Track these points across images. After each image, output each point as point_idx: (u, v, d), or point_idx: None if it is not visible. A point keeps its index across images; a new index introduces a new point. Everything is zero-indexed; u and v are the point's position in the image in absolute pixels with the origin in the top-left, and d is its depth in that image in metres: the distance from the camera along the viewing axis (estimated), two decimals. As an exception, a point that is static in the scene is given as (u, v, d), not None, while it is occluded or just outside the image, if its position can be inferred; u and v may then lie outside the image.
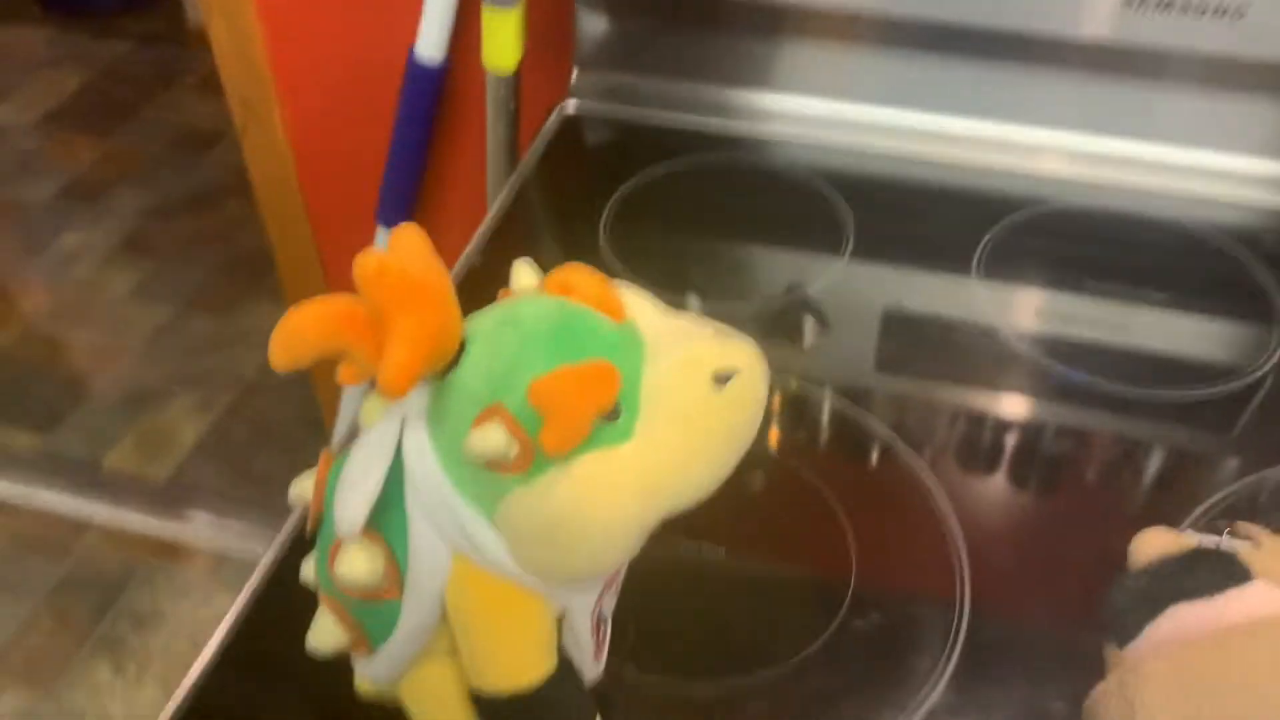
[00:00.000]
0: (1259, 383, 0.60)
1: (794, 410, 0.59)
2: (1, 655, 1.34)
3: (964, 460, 0.56)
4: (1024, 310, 0.65)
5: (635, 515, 0.32)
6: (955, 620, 0.47)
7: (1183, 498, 0.54)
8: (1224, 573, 0.38)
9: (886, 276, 0.68)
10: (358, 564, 0.34)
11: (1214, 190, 0.73)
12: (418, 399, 0.34)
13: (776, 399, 0.59)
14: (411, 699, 0.39)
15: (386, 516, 0.34)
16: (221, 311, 1.81)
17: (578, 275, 0.35)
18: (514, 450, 0.32)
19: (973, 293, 0.66)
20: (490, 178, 0.86)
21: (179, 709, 0.45)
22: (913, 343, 0.63)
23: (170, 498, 1.53)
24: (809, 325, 0.66)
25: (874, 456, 0.56)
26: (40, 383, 1.70)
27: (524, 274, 0.37)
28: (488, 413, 0.32)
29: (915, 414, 0.59)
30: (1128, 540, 0.42)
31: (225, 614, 1.45)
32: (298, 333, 0.32)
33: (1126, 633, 0.39)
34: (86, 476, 1.56)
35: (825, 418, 0.59)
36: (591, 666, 0.39)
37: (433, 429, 0.34)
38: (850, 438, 0.57)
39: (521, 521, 0.32)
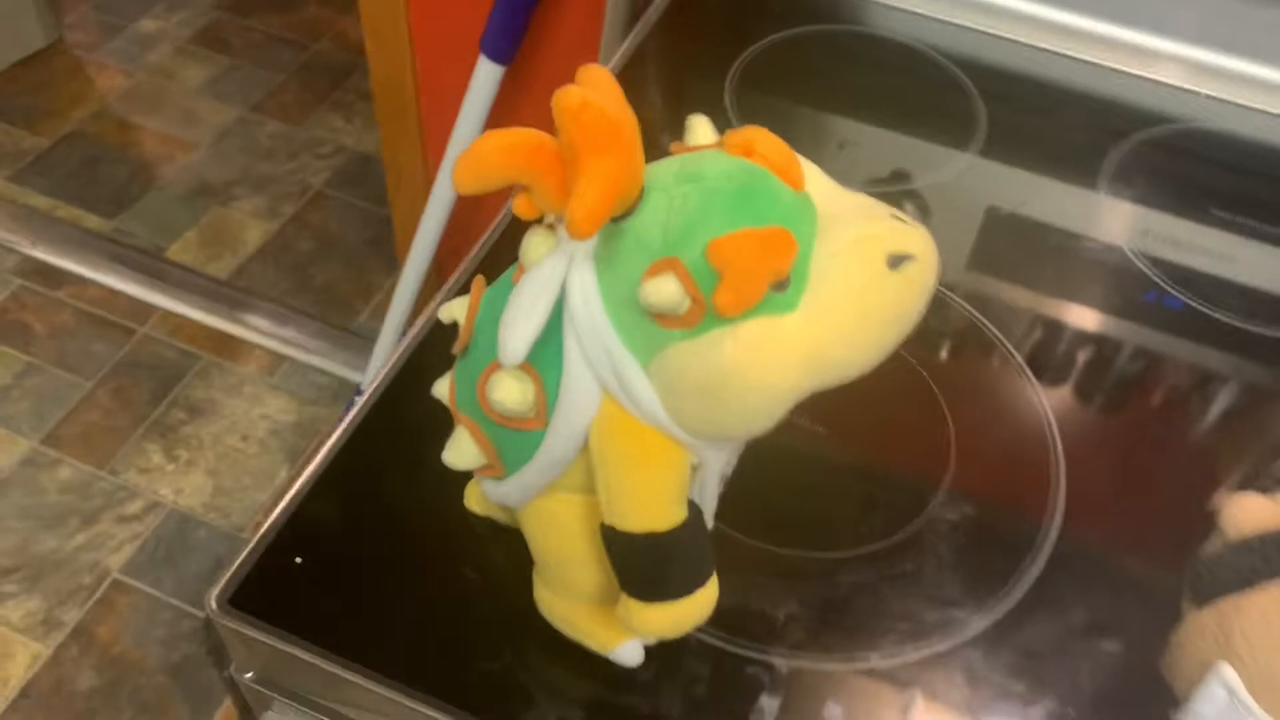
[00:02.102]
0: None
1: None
2: (60, 427, 1.39)
3: (1069, 374, 0.56)
4: (1145, 230, 0.64)
5: (794, 383, 0.33)
6: (1045, 526, 0.49)
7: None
8: None
9: (1013, 177, 0.66)
10: (512, 391, 0.35)
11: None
12: (587, 240, 0.35)
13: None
14: (534, 525, 0.40)
15: (542, 350, 0.35)
16: (292, 118, 1.80)
17: (761, 138, 0.35)
18: (685, 305, 0.32)
19: (1095, 205, 0.65)
20: (608, 24, 0.84)
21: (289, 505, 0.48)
22: (1032, 249, 0.63)
23: (230, 297, 1.56)
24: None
25: (982, 358, 0.56)
26: (110, 165, 1.71)
27: (702, 130, 0.36)
28: (664, 264, 0.32)
29: (1025, 321, 0.59)
30: (1216, 481, 0.42)
31: (276, 414, 1.49)
32: (486, 159, 0.32)
33: (1210, 597, 0.39)
34: (150, 265, 1.59)
35: (939, 313, 0.59)
36: (710, 520, 0.40)
37: (600, 272, 0.34)
38: (961, 336, 0.57)
39: (679, 375, 0.33)
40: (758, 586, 0.46)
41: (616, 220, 0.34)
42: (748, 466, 0.46)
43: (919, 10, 0.76)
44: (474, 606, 0.45)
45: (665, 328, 0.33)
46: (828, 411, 0.52)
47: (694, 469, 0.37)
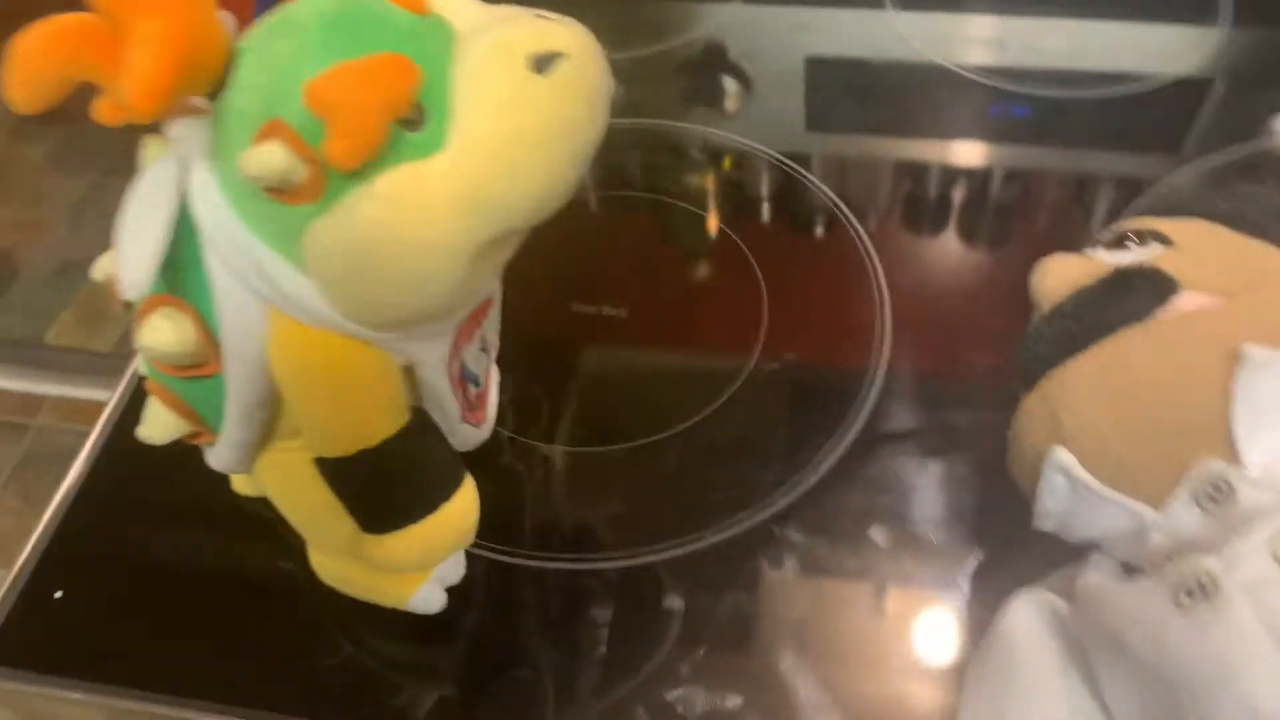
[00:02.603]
0: (1194, 83, 0.55)
1: (706, 164, 0.54)
2: (-29, 538, 1.33)
3: (883, 206, 0.51)
4: (941, 37, 0.59)
5: (457, 234, 0.27)
6: (873, 365, 0.44)
7: (1112, 208, 0.50)
8: (1150, 293, 0.33)
9: (799, 16, 0.61)
10: (161, 332, 0.30)
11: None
12: (196, 134, 0.29)
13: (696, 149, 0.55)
14: (272, 484, 0.35)
15: (186, 277, 0.30)
16: (148, 173, 1.73)
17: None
18: (300, 170, 0.27)
19: (892, 24, 0.60)
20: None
21: (43, 535, 0.42)
22: (859, 90, 0.58)
23: (119, 368, 1.49)
24: (730, 85, 0.60)
25: (792, 208, 0.52)
26: (-32, 264, 1.64)
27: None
28: (266, 129, 0.27)
29: (833, 161, 0.54)
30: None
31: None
32: (32, 60, 0.26)
33: (1034, 378, 0.34)
34: (31, 355, 1.52)
35: (739, 169, 0.54)
36: (464, 427, 0.35)
37: (215, 166, 0.29)
38: (781, 195, 0.53)
39: (327, 257, 0.28)
40: (577, 492, 0.42)
41: (214, 100, 0.28)
42: (545, 365, 0.42)
43: None
44: (295, 601, 0.40)
45: (294, 206, 0.27)
46: (628, 293, 0.47)
47: (407, 370, 0.31)
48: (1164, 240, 0.34)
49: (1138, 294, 0.33)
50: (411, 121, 0.27)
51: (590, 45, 0.29)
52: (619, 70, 0.29)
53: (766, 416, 0.42)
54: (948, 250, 0.49)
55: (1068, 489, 0.32)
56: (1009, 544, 0.38)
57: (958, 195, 0.52)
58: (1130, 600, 0.30)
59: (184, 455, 0.35)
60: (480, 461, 0.41)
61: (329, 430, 0.30)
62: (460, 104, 0.27)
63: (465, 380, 0.34)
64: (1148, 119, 0.54)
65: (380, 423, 0.30)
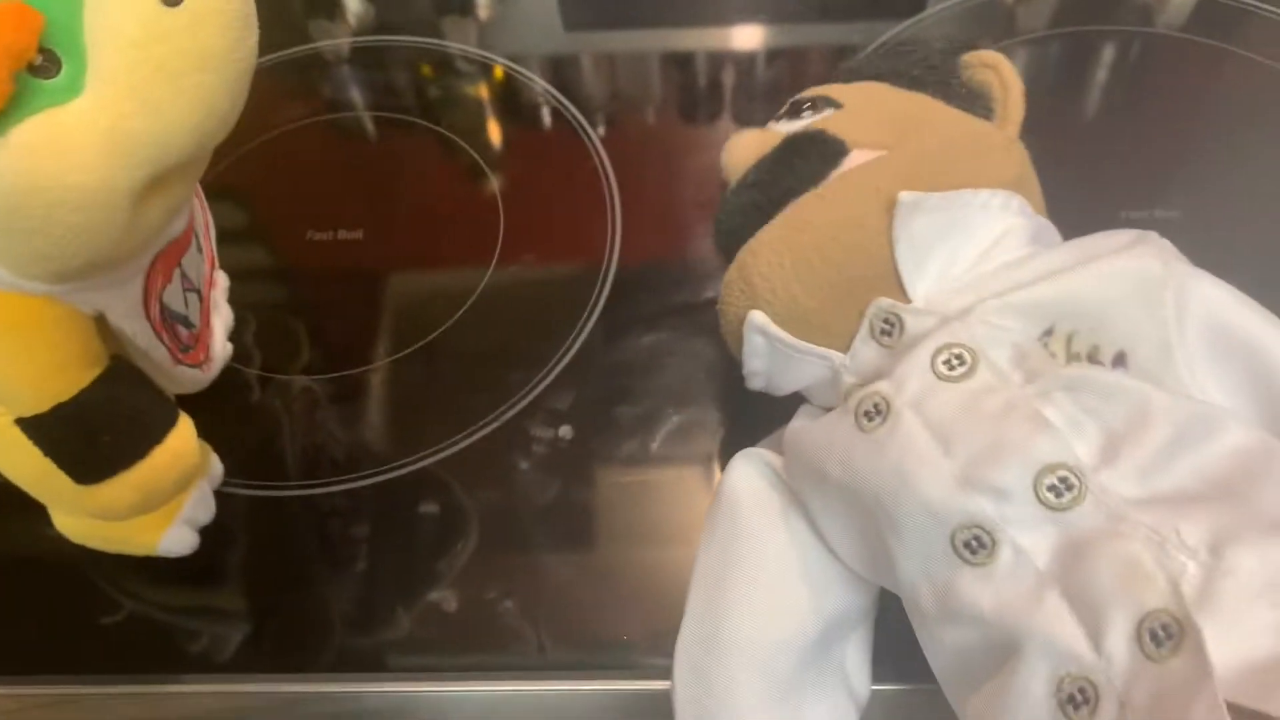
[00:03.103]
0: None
1: (437, 78, 0.54)
2: None
3: (618, 101, 0.52)
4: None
5: (108, 178, 0.27)
6: (608, 256, 0.45)
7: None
8: (821, 156, 0.35)
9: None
10: None
11: None
12: None
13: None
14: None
15: None
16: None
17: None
18: (-77, 136, 0.26)
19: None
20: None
21: None
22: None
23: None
24: None
25: (534, 117, 0.52)
26: None
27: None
28: (-117, 93, 0.26)
29: (574, 61, 0.55)
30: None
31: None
32: None
33: (731, 251, 0.36)
34: None
35: (469, 79, 0.54)
36: (182, 370, 0.35)
37: None
38: (501, 98, 0.53)
39: (-24, 217, 0.27)
40: (331, 418, 0.42)
41: None
42: (286, 297, 0.41)
43: None
44: (63, 566, 0.40)
45: (-68, 171, 0.27)
46: (362, 215, 0.47)
47: (101, 319, 0.31)
48: (835, 104, 0.37)
49: (810, 158, 0.35)
50: (42, 68, 0.27)
51: (223, -29, 0.28)
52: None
53: (508, 320, 0.44)
54: (673, 137, 0.50)
55: (766, 347, 0.35)
56: (745, 409, 0.40)
57: (701, 81, 0.53)
58: (822, 433, 0.32)
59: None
60: (230, 402, 0.41)
61: (19, 389, 0.30)
62: (96, 48, 0.27)
63: (171, 322, 0.34)
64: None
65: (72, 375, 0.30)
